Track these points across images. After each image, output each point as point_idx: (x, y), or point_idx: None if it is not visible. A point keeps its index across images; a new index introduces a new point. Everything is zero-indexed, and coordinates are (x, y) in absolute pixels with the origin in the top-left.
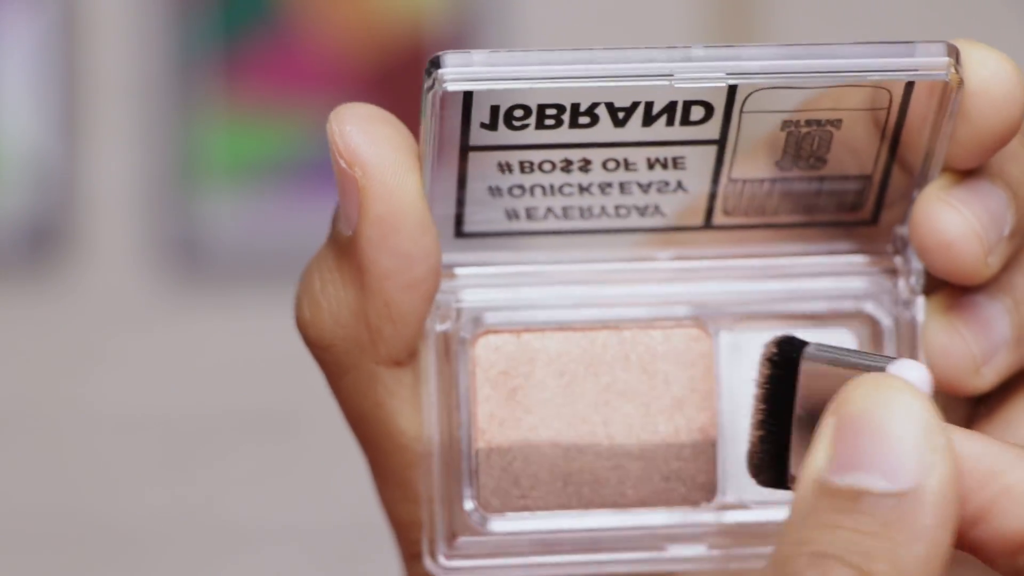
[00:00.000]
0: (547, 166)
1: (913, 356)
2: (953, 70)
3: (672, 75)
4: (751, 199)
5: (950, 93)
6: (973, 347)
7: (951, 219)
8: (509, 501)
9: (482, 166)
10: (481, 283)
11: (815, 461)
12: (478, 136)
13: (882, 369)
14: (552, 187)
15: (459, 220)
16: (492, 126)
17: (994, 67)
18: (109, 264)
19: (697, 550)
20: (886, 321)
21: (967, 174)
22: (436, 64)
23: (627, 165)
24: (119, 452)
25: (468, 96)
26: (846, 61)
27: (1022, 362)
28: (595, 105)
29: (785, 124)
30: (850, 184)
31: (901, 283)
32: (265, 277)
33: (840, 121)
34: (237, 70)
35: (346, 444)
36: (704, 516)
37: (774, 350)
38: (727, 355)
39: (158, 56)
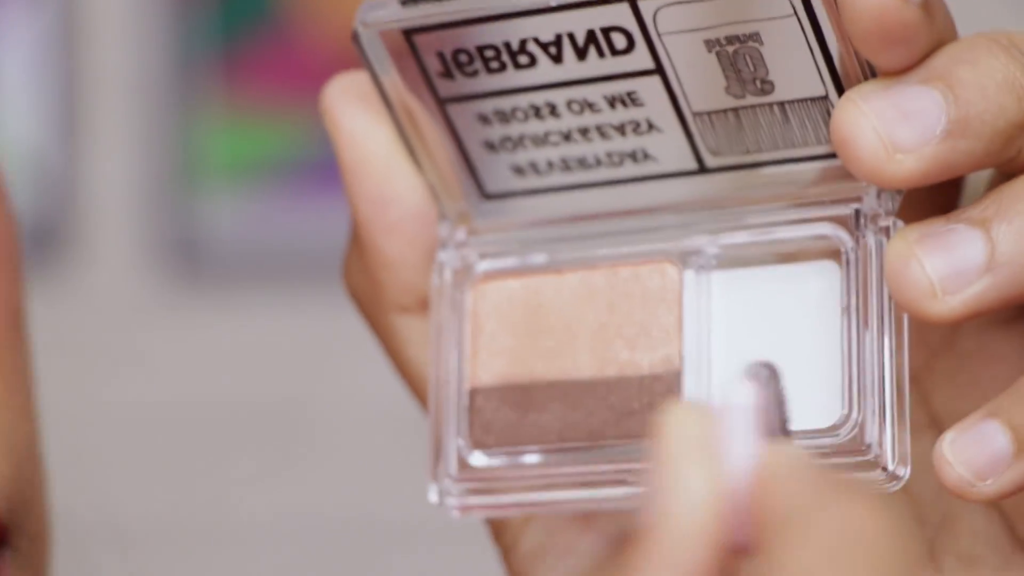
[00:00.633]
0: (520, 114)
1: (872, 284)
2: None
3: None
4: (726, 135)
5: None
6: (929, 270)
7: (846, 116)
8: (505, 436)
9: (465, 119)
10: (485, 240)
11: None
12: (445, 87)
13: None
14: (536, 137)
15: (479, 182)
16: (448, 74)
17: None
18: (109, 264)
19: None
20: (851, 253)
21: (896, 77)
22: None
23: (591, 107)
24: (119, 452)
25: (408, 37)
26: None
27: (1002, 294)
28: (524, 42)
29: (709, 44)
30: (815, 110)
31: (868, 205)
32: (265, 277)
33: (758, 34)
34: (237, 70)
35: (346, 443)
36: None
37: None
38: (693, 290)
39: (158, 56)
